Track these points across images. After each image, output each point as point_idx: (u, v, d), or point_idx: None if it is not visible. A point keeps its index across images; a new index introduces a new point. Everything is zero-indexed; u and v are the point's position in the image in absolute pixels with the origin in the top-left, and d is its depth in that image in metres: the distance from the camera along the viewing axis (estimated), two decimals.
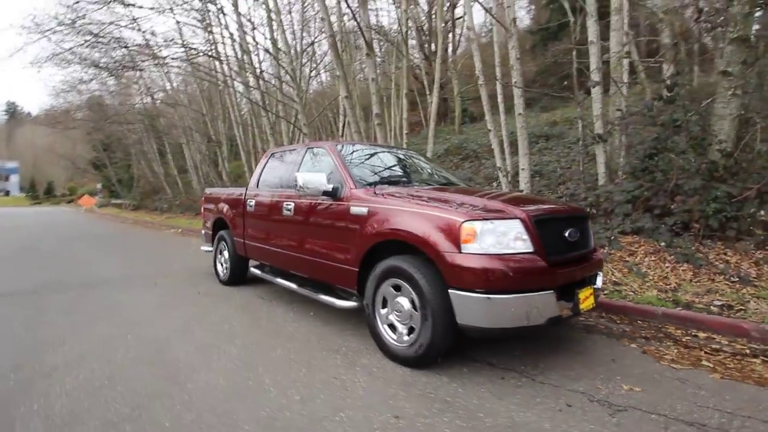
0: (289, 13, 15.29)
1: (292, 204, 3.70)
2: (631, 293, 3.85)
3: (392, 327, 2.76)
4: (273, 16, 10.03)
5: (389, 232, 2.68)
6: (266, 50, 9.90)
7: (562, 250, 2.58)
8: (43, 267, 6.39)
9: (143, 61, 14.58)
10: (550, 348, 2.92)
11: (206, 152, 16.72)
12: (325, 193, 3.19)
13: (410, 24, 14.61)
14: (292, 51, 11.25)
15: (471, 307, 2.28)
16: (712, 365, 2.62)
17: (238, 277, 4.93)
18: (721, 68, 4.68)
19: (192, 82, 17.99)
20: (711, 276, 3.95)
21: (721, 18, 4.38)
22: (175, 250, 8.57)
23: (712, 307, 3.39)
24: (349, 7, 8.23)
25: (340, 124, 12.40)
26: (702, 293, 3.66)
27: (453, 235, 2.36)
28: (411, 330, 2.63)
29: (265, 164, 4.50)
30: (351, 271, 3.02)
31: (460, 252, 2.33)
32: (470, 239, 2.32)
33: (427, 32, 21.21)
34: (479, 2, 7.86)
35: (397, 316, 2.70)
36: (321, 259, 3.32)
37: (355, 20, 8.44)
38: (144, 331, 3.42)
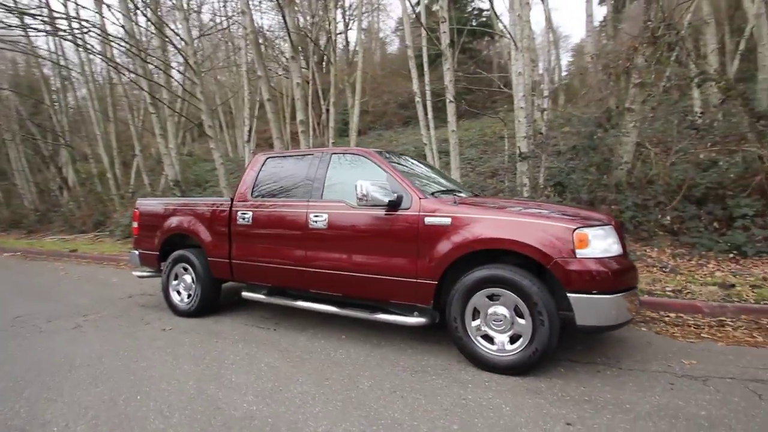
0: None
1: (325, 215, 3.30)
2: None
3: (486, 338, 2.73)
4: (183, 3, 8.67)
5: (488, 241, 2.65)
6: (166, 38, 8.39)
7: (627, 252, 2.97)
8: None
9: None
10: (593, 339, 3.25)
11: (47, 153, 13.14)
12: (390, 203, 2.96)
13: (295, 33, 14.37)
14: (196, 43, 9.85)
15: (593, 309, 2.44)
16: (709, 336, 3.33)
17: (208, 305, 4.10)
18: (626, 105, 6.00)
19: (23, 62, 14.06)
20: (647, 268, 4.98)
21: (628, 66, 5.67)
22: (43, 278, 6.54)
23: (668, 293, 4.29)
24: (279, 4, 7.68)
25: (245, 129, 11.38)
26: (651, 282, 4.60)
27: (566, 241, 2.49)
28: (513, 338, 2.65)
29: (260, 170, 3.88)
30: (426, 284, 2.87)
31: (575, 257, 2.48)
32: (583, 245, 2.49)
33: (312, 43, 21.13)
34: (423, 27, 8.27)
35: (495, 325, 2.68)
36: (378, 274, 3.04)
37: (283, 19, 7.93)
38: (151, 387, 2.59)
